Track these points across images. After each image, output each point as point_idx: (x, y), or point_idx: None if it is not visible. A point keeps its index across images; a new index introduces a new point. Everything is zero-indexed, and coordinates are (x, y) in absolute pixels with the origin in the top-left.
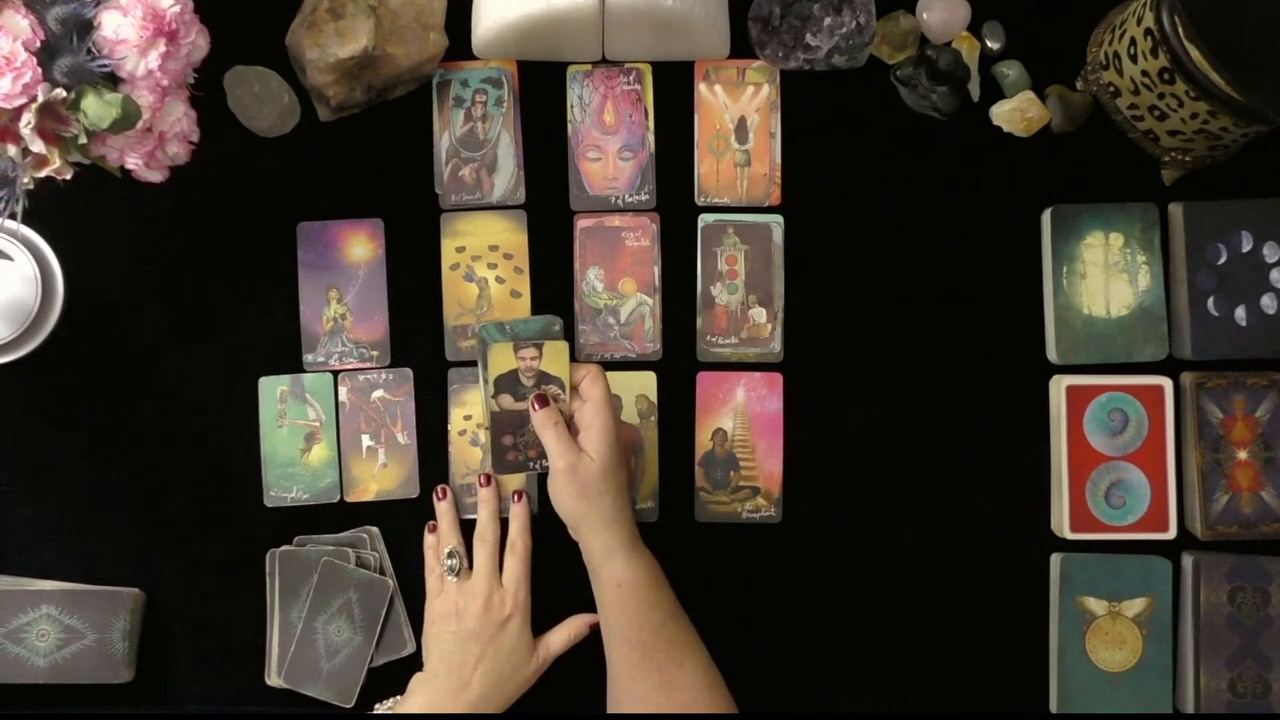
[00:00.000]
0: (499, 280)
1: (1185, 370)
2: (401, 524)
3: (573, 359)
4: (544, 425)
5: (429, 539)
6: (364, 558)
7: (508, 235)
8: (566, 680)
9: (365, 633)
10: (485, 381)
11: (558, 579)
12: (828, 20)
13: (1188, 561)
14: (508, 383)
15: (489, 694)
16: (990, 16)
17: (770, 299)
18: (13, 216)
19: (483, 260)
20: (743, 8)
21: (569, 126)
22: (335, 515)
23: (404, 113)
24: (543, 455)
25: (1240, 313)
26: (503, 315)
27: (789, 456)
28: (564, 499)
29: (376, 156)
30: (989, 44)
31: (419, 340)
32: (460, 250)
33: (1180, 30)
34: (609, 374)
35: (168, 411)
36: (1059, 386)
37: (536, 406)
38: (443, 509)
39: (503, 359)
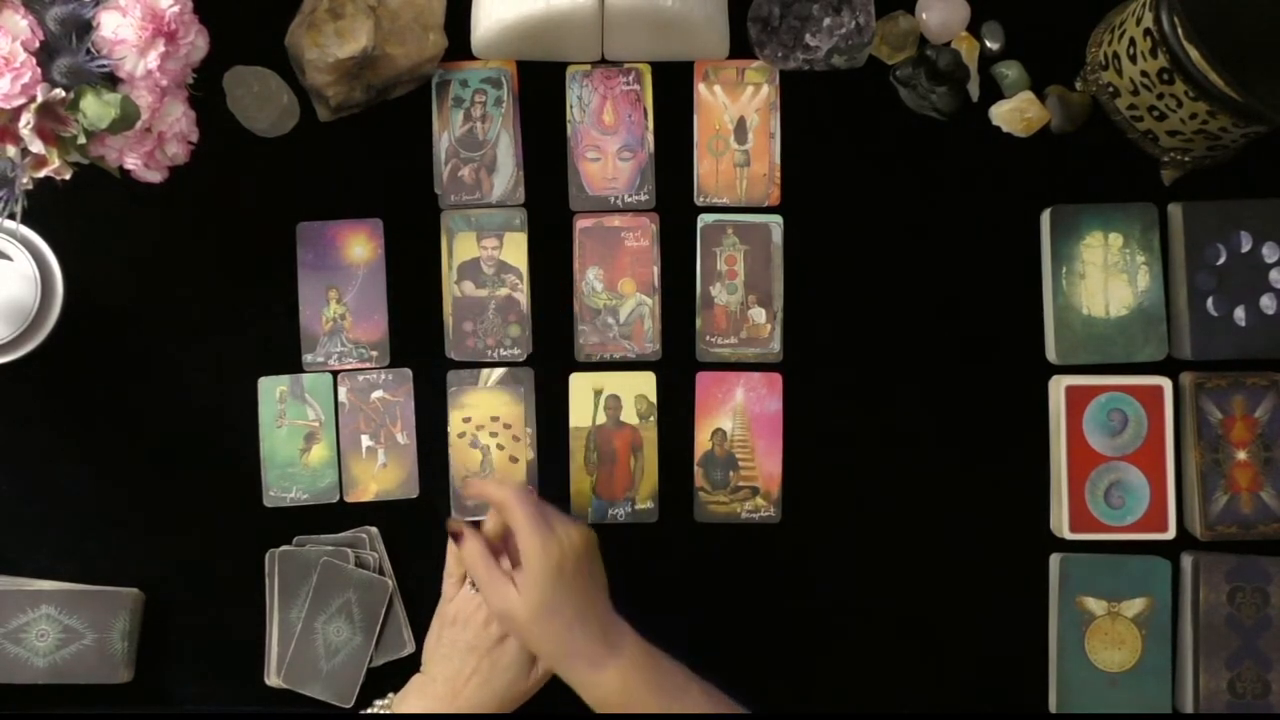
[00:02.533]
0: (499, 447)
1: (1184, 370)
2: (401, 524)
3: (573, 358)
4: (471, 562)
5: (457, 546)
6: (363, 558)
7: (508, 407)
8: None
9: (364, 633)
10: (450, 268)
11: None
12: (827, 20)
13: (1187, 562)
14: (470, 270)
15: (480, 705)
16: (990, 16)
17: (770, 299)
18: (12, 216)
19: (485, 430)
20: (742, 8)
21: (568, 127)
22: (335, 515)
23: (404, 113)
24: (500, 345)
25: (1239, 313)
26: (503, 480)
27: (788, 456)
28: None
29: (376, 156)
30: (988, 44)
31: (419, 340)
32: (466, 420)
33: (1180, 30)
34: (607, 374)
35: (168, 411)
36: (1058, 387)
37: (454, 542)
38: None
39: (466, 247)
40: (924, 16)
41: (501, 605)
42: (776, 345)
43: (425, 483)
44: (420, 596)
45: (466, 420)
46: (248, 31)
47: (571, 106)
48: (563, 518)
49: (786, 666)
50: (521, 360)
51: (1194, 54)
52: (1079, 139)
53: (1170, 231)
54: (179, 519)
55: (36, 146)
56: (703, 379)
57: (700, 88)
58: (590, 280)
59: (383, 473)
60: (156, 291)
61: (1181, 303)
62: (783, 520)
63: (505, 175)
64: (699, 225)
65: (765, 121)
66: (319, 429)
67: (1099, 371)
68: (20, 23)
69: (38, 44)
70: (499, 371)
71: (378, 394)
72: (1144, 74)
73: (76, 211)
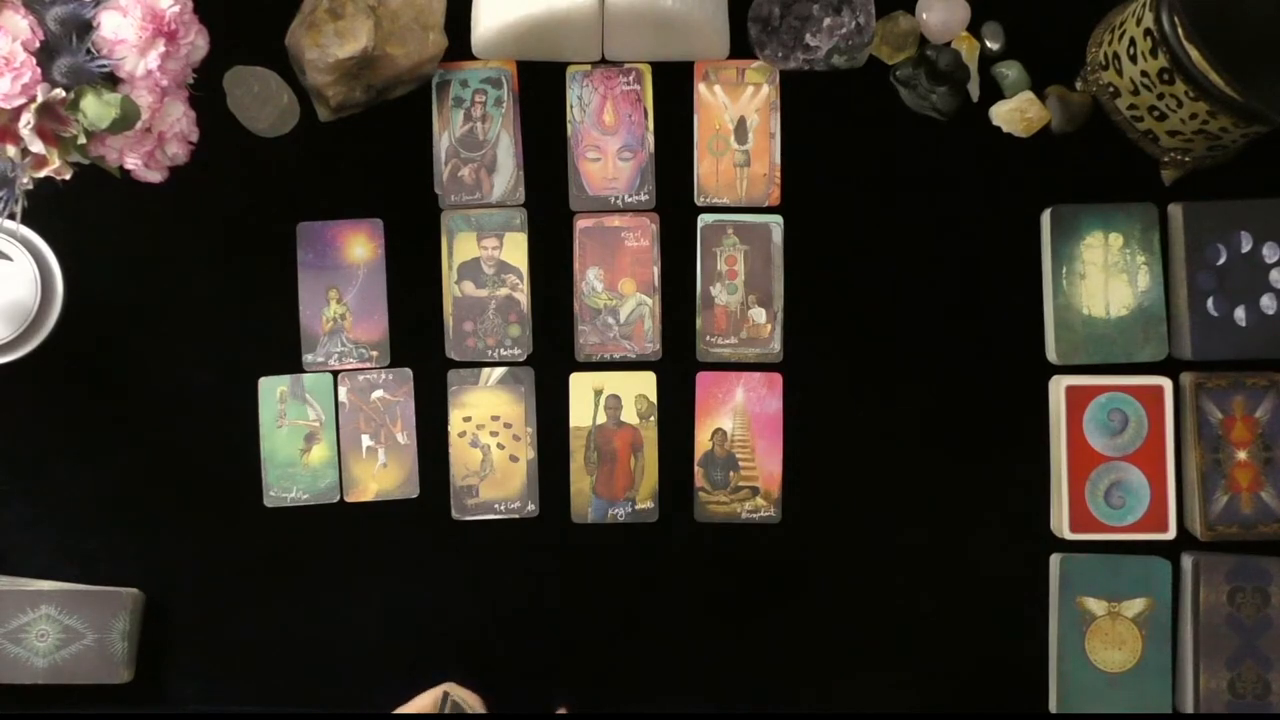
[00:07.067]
0: (500, 447)
1: (1185, 371)
2: (401, 524)
3: (573, 358)
4: None
5: None
6: None
7: (508, 407)
8: (572, 680)
9: None
10: (450, 268)
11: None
12: (827, 20)
13: (1187, 562)
14: (470, 270)
15: None
16: (990, 17)
17: (770, 299)
18: (12, 216)
19: (485, 429)
20: (743, 8)
21: (568, 127)
22: (335, 515)
23: (404, 113)
24: (500, 345)
25: (1240, 313)
26: (504, 479)
27: (788, 456)
28: None
29: (376, 156)
30: (989, 44)
31: (419, 340)
32: (467, 420)
33: (1180, 30)
34: (608, 374)
35: (168, 412)
36: (1059, 387)
37: None
38: None
39: (466, 247)
40: (924, 16)
41: None
42: (776, 345)
43: (425, 483)
44: (417, 597)
45: (467, 420)
46: (248, 31)
47: (571, 106)
48: None
49: (786, 666)
50: (521, 360)
51: (1194, 54)
52: (1079, 139)
53: (1170, 231)
54: (179, 519)
55: (36, 146)
56: (703, 379)
57: (700, 88)
58: (590, 280)
59: (383, 473)
60: (156, 291)
61: (1181, 303)
62: (783, 520)
63: (505, 175)
64: (699, 225)
65: (765, 121)
66: (319, 429)
67: (1099, 371)
68: (20, 23)
69: (38, 44)
70: (499, 371)
71: (378, 394)
72: (1144, 74)
73: (76, 211)
